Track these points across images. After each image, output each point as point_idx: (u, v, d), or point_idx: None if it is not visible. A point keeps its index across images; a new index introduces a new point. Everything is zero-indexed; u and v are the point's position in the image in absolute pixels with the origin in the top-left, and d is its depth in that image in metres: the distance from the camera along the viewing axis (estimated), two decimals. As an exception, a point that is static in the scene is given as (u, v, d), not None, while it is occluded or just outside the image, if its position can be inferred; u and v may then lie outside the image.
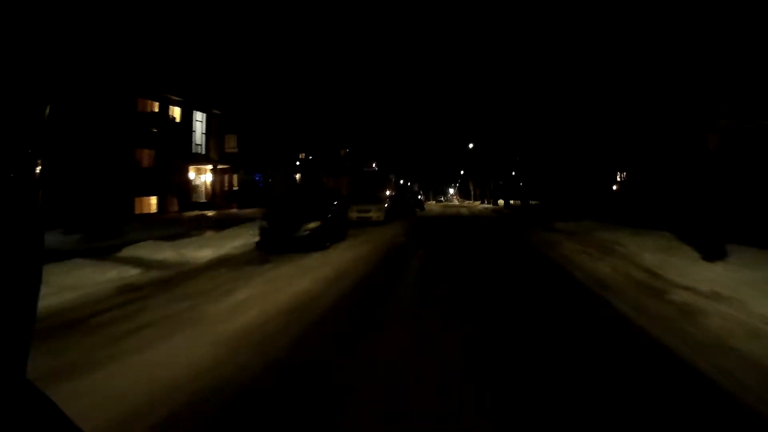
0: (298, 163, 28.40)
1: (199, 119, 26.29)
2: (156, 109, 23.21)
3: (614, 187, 23.51)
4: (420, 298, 5.65)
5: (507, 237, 13.69)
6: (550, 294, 5.84)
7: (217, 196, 27.20)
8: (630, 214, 14.75)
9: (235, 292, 5.90)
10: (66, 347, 3.87)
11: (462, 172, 71.20)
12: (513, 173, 37.25)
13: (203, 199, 26.17)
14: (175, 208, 23.94)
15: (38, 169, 0.78)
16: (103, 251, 9.35)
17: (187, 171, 25.05)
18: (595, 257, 8.31)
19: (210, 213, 22.88)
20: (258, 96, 24.18)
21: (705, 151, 7.66)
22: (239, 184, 29.19)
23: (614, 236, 10.62)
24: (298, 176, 28.75)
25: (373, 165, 52.72)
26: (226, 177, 28.74)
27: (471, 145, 44.73)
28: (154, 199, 23.06)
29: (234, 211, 24.82)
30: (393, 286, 6.33)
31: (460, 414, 2.67)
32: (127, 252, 9.25)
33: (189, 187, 25.25)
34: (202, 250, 9.41)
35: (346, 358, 3.59)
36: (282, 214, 10.02)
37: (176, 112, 24.66)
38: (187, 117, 25.25)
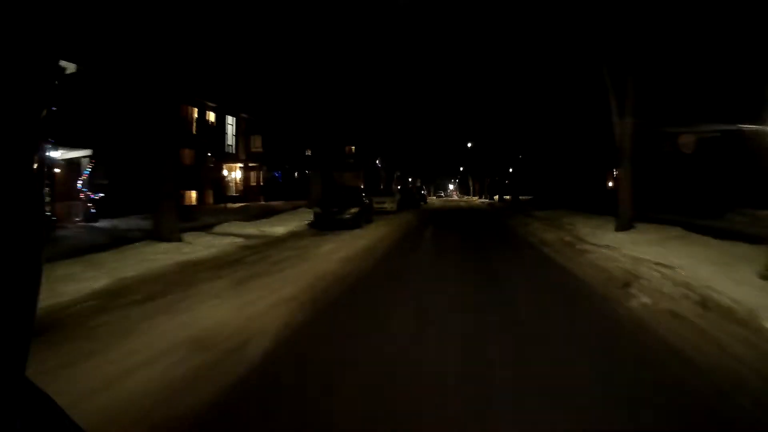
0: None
1: (230, 122, 30.01)
2: (195, 114, 26.92)
3: (610, 184, 27.01)
4: (435, 245, 9.52)
5: (491, 221, 17.58)
6: (507, 244, 9.70)
7: (246, 190, 31.00)
8: (603, 205, 18.46)
9: (320, 247, 9.70)
10: (251, 267, 7.66)
11: (461, 169, 74.90)
12: (510, 171, 40.93)
13: (234, 193, 29.94)
14: (211, 200, 27.66)
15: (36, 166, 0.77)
16: (200, 228, 13.06)
17: (221, 168, 28.83)
18: (548, 231, 12.17)
19: (242, 204, 26.64)
20: (279, 102, 27.99)
21: (620, 156, 11.46)
22: (264, 180, 33.00)
23: (572, 219, 14.44)
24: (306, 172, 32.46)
25: (377, 162, 56.26)
26: (253, 174, 32.53)
27: (469, 145, 48.45)
28: (194, 193, 26.78)
29: (262, 203, 28.59)
30: (418, 241, 10.21)
31: (459, 253, 6.53)
32: (220, 229, 13.04)
33: (223, 182, 29.02)
34: (274, 227, 13.22)
35: (403, 262, 7.44)
36: (329, 202, 13.85)
37: (211, 116, 28.36)
38: (220, 120, 28.99)
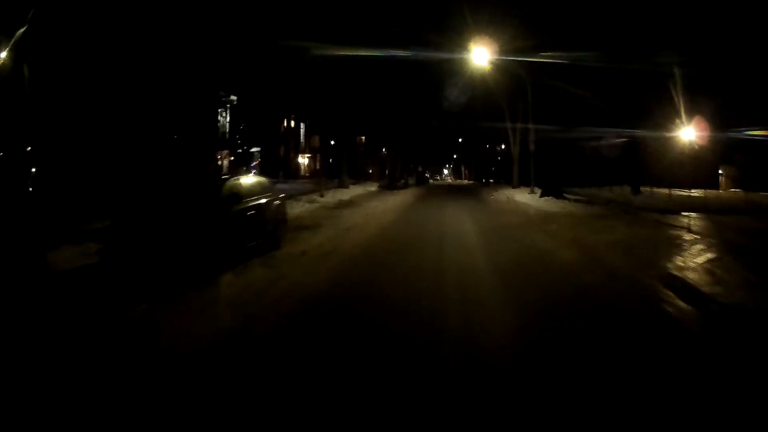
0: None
1: (302, 127, 45.14)
2: (285, 124, 42.07)
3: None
4: (441, 194, 25.24)
5: (469, 190, 33.16)
6: (471, 195, 25.41)
7: (312, 172, 46.31)
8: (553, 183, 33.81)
9: (391, 196, 25.15)
10: (367, 200, 23.25)
11: (455, 157, 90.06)
12: (489, 160, 56.20)
13: (305, 174, 45.21)
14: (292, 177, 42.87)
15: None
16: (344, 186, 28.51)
17: (297, 157, 44.03)
18: (495, 193, 27.75)
19: (316, 179, 41.77)
20: (326, 110, 43.19)
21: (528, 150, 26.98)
22: (321, 166, 48.28)
23: (514, 190, 29.80)
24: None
25: (383, 150, 71.44)
26: (314, 161, 47.78)
27: (460, 140, 63.68)
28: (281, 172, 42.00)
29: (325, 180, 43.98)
30: (433, 193, 25.96)
31: (450, 195, 22.22)
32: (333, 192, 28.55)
33: (299, 166, 44.25)
34: (357, 190, 28.53)
35: (428, 198, 23.14)
36: (392, 177, 29.40)
37: (292, 123, 43.49)
38: (297, 125, 44.12)
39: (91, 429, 2.48)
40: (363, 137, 60.80)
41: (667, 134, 29.10)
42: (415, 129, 55.53)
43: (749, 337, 3.77)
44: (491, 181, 55.07)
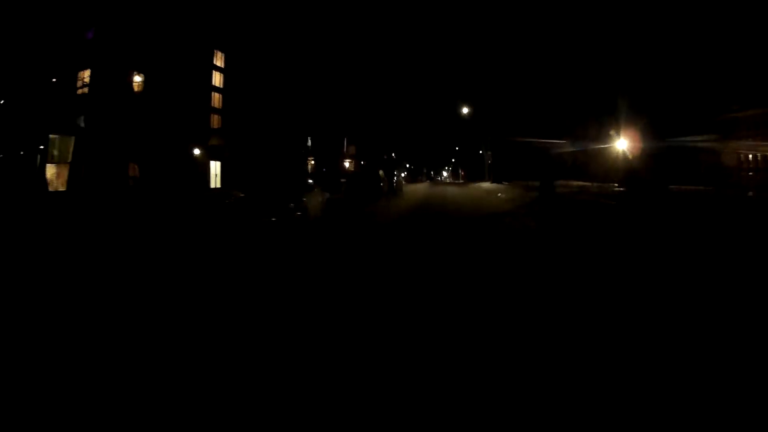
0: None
1: (344, 140, 64.26)
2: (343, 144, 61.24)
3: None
4: (438, 186, 44.56)
5: (459, 187, 52.38)
6: (460, 187, 44.75)
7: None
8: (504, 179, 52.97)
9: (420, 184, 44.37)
10: (407, 186, 42.68)
11: (453, 161, 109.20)
12: (479, 163, 75.32)
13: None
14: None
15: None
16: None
17: (343, 162, 63.16)
18: (475, 184, 46.98)
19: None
20: (358, 125, 62.57)
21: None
22: (357, 168, 67.46)
23: (486, 182, 48.86)
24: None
25: (392, 155, 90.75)
26: (352, 165, 66.86)
27: (457, 148, 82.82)
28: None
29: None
30: (433, 186, 45.38)
31: (445, 186, 41.68)
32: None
33: (345, 170, 63.40)
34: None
35: (432, 189, 42.52)
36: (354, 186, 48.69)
37: (345, 142, 62.64)
38: (342, 139, 63.35)
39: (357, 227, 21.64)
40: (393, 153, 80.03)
41: (605, 145, 48.37)
42: (425, 139, 74.48)
43: (532, 215, 23.02)
44: (477, 179, 74.52)
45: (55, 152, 25.44)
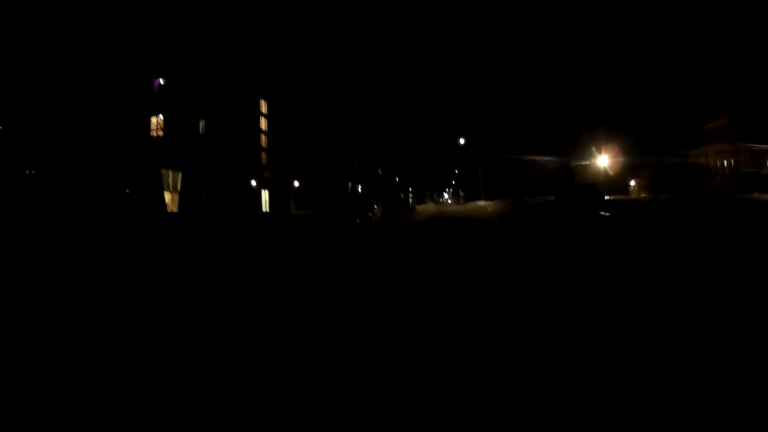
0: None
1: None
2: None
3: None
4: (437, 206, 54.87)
5: (457, 206, 62.62)
6: (456, 206, 55.05)
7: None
8: (491, 193, 63.16)
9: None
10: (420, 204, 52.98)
11: (453, 182, 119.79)
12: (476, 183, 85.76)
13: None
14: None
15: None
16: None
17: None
18: (470, 204, 57.21)
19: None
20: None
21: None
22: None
23: (481, 200, 58.98)
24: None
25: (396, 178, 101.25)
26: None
27: (456, 171, 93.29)
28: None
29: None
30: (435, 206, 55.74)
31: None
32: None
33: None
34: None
35: (439, 210, 52.78)
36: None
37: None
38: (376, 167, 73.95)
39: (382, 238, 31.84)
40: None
41: (588, 161, 58.68)
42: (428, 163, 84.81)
43: (499, 218, 33.34)
44: (475, 198, 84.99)
45: (169, 182, 35.52)
